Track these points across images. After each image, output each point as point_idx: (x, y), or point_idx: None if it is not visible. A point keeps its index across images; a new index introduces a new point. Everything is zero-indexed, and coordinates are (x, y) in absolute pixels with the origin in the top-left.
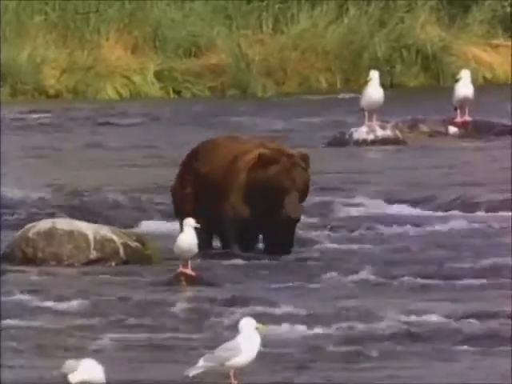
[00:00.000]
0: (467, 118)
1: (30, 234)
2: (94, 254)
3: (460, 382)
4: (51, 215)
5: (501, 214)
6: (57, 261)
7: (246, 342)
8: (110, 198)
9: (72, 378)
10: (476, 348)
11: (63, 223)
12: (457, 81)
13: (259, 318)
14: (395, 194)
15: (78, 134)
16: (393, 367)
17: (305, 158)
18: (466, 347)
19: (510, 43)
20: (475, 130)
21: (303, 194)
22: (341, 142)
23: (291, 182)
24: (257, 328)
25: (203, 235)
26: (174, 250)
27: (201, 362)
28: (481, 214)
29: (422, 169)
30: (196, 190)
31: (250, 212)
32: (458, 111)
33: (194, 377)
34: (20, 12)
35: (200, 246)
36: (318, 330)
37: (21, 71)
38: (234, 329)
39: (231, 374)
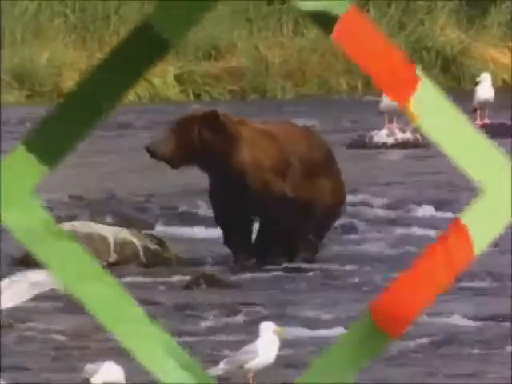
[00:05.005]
0: (486, 120)
1: None
2: (113, 257)
3: None
4: (72, 218)
5: None
6: None
7: (265, 345)
8: (136, 202)
9: (94, 380)
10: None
11: (83, 226)
12: (477, 83)
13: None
14: (417, 196)
15: (100, 136)
16: None
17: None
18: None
19: None
20: (494, 133)
21: None
22: (361, 144)
23: None
24: (274, 331)
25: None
26: None
27: (221, 365)
28: None
29: (443, 171)
30: None
31: None
32: (478, 114)
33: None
34: (39, 14)
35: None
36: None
37: (39, 73)
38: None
39: (249, 376)
